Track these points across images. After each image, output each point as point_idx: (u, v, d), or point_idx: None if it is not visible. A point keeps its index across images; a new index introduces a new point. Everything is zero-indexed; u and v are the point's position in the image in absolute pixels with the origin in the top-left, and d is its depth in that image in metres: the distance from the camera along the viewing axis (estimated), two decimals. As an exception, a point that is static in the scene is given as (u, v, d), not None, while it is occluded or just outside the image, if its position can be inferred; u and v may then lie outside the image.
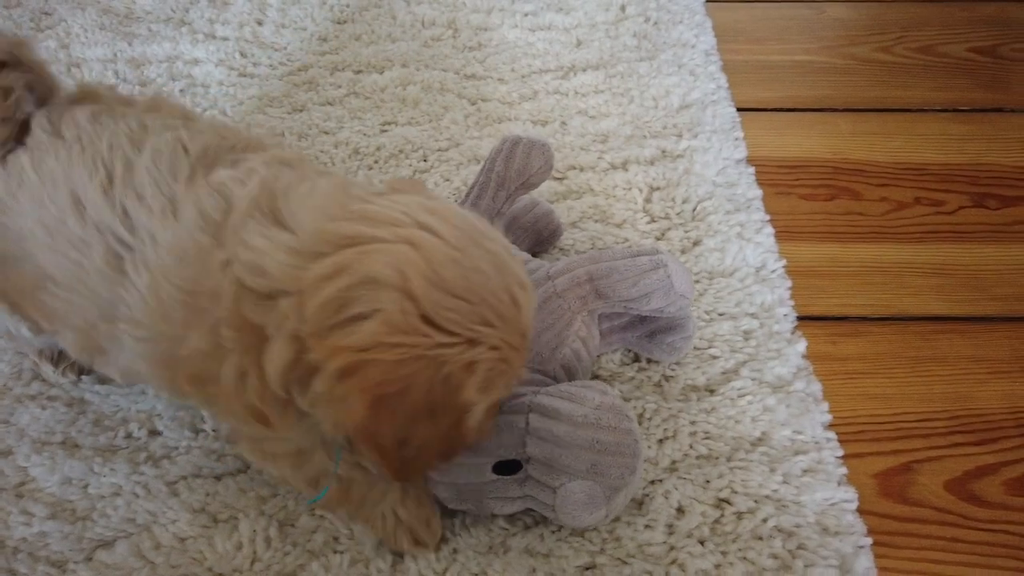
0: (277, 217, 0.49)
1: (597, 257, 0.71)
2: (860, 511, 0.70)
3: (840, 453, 0.73)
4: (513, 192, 0.77)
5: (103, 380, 0.76)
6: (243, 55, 1.14)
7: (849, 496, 0.70)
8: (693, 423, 0.73)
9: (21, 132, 0.59)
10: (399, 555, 0.65)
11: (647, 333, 0.76)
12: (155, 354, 0.54)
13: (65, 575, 0.64)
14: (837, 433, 0.75)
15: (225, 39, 1.17)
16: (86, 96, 0.63)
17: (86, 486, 0.69)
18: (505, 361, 0.49)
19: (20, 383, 0.76)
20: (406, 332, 0.45)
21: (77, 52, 1.13)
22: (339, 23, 1.21)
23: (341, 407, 0.47)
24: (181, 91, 1.08)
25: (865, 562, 0.66)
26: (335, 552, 0.65)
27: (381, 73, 1.12)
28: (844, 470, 0.72)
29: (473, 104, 1.08)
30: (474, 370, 0.48)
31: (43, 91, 0.61)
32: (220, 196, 0.52)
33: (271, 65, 1.13)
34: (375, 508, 0.64)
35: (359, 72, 1.13)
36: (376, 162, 1.00)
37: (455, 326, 0.47)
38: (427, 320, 0.46)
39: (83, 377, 0.76)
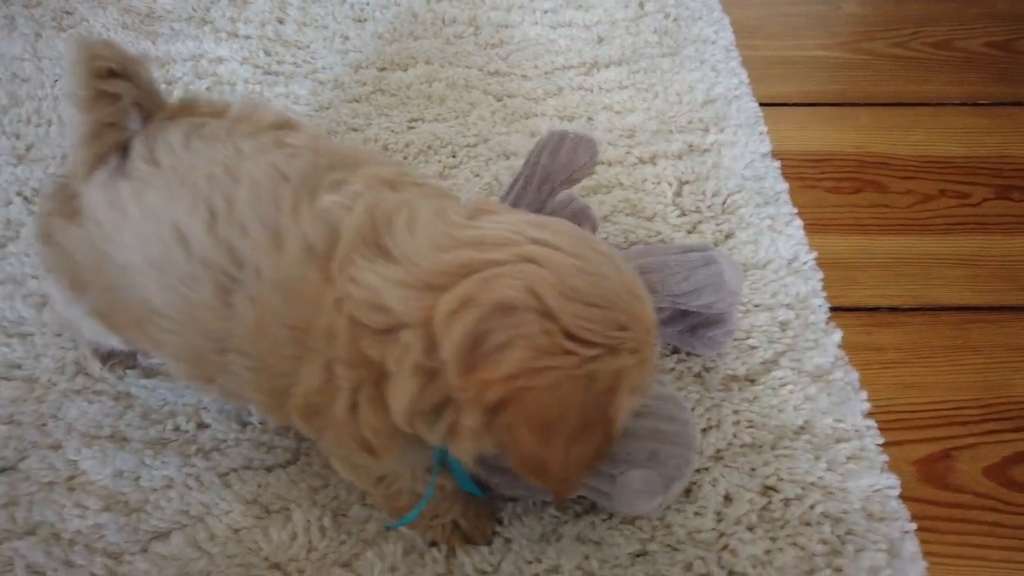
0: (383, 249, 0.48)
1: (648, 251, 0.72)
2: (903, 497, 0.70)
3: (881, 441, 0.74)
4: (557, 186, 0.78)
5: (148, 374, 0.77)
6: (267, 53, 1.14)
7: (892, 483, 0.71)
8: (736, 412, 0.74)
9: (125, 148, 0.59)
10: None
11: (688, 328, 0.76)
12: (263, 384, 0.54)
13: (122, 566, 0.65)
14: (876, 421, 0.76)
15: (248, 37, 1.17)
16: (183, 110, 0.62)
17: (138, 479, 0.70)
18: (644, 361, 0.48)
19: (64, 378, 0.77)
20: (553, 353, 0.44)
21: (101, 51, 1.13)
22: (359, 21, 1.22)
23: (507, 438, 0.46)
24: (208, 89, 1.08)
25: (912, 546, 0.67)
26: (388, 541, 0.66)
27: (405, 70, 1.13)
28: (885, 457, 0.73)
29: (499, 100, 1.08)
30: (621, 378, 0.47)
31: (149, 110, 0.61)
32: (325, 225, 0.51)
33: (295, 63, 1.14)
34: (441, 521, 0.64)
35: (383, 70, 1.13)
36: (405, 158, 1.00)
37: (596, 336, 0.45)
38: (569, 336, 0.45)
39: (128, 371, 0.76)
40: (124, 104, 0.58)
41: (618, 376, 0.46)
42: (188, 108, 0.63)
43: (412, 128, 1.05)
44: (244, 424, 0.73)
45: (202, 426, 0.73)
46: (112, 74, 0.57)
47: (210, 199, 0.54)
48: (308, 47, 1.16)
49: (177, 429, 0.73)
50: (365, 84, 1.11)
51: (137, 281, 0.56)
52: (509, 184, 0.81)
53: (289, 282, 0.51)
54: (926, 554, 0.67)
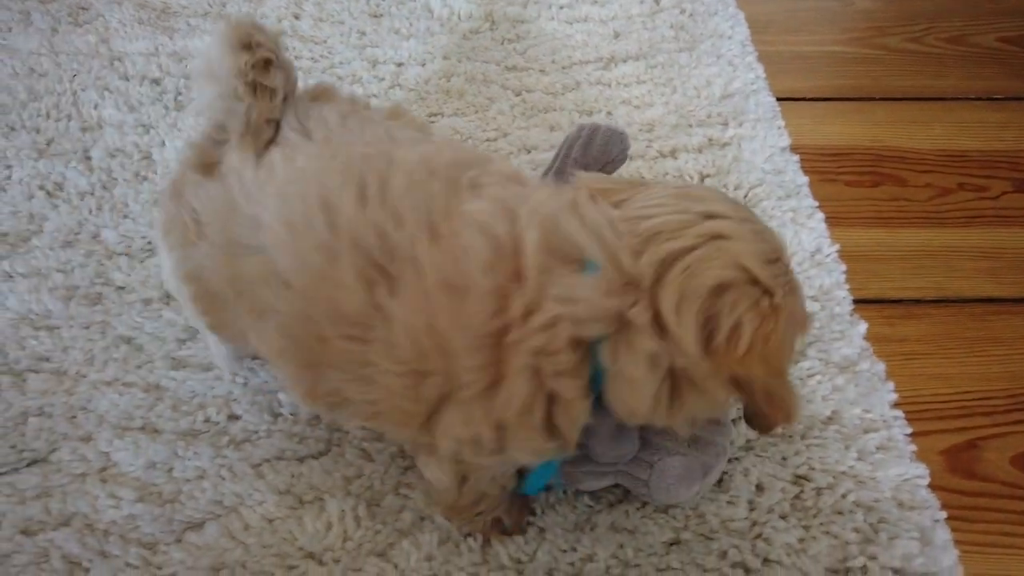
0: (573, 259, 0.48)
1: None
2: (931, 486, 0.71)
3: (908, 431, 0.74)
4: None
5: (177, 366, 0.77)
6: (284, 48, 1.14)
7: (921, 472, 0.71)
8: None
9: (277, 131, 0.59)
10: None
11: None
12: (408, 389, 0.51)
13: (157, 556, 0.65)
14: (903, 412, 0.76)
15: (265, 33, 1.17)
16: (322, 94, 0.63)
17: (170, 469, 0.70)
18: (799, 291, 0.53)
19: (94, 369, 0.77)
20: (771, 316, 0.48)
21: (118, 46, 1.13)
22: (376, 17, 1.22)
23: (747, 390, 0.50)
24: (226, 84, 1.08)
25: (943, 535, 0.67)
26: (424, 531, 0.66)
27: (423, 66, 1.13)
28: (913, 447, 0.73)
29: (518, 95, 1.09)
30: (798, 312, 0.51)
31: (290, 90, 0.61)
32: (486, 235, 0.50)
33: (312, 58, 1.14)
34: (485, 517, 0.64)
35: (400, 65, 1.13)
36: (426, 152, 1.00)
37: (783, 284, 0.50)
38: (771, 292, 0.48)
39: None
40: (279, 98, 0.57)
41: (798, 311, 0.52)
42: (326, 93, 0.63)
43: (431, 123, 1.05)
44: (276, 415, 0.73)
45: (233, 417, 0.73)
46: (269, 65, 0.56)
47: (363, 177, 0.53)
48: (325, 42, 1.16)
49: (208, 420, 0.73)
50: (383, 79, 1.11)
51: (264, 240, 0.54)
52: (539, 176, 0.81)
53: (464, 289, 0.49)
54: (957, 542, 0.68)
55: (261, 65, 0.56)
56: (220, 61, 0.57)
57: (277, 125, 0.59)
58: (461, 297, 0.49)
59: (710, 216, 0.49)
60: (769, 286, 0.48)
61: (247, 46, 0.56)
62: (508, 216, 0.50)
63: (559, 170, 0.78)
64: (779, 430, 0.65)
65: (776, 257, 0.50)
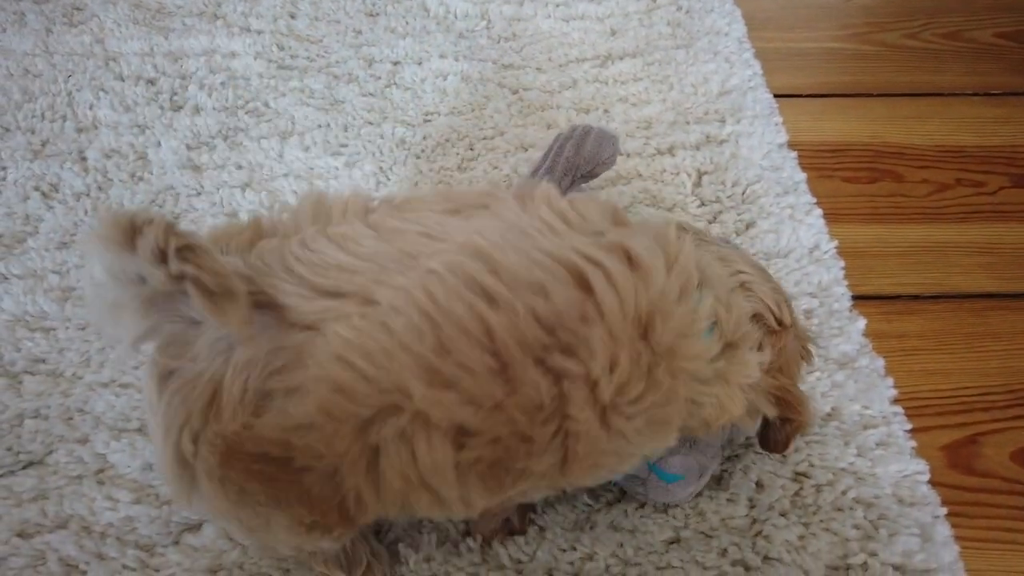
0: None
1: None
2: (932, 482, 0.71)
3: (908, 427, 0.74)
4: (578, 179, 0.78)
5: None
6: (280, 48, 1.14)
7: (921, 468, 0.71)
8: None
9: None
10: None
11: None
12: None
13: (154, 558, 0.64)
14: (903, 408, 0.76)
15: (260, 32, 1.16)
16: (319, 211, 0.54)
17: (168, 471, 0.69)
18: None
19: (90, 371, 0.76)
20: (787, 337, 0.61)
21: (113, 46, 1.13)
22: (371, 16, 1.21)
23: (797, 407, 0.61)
24: (222, 84, 1.08)
25: (944, 531, 0.67)
26: (422, 532, 0.66)
27: (419, 64, 1.13)
28: (913, 443, 0.73)
29: (514, 93, 1.08)
30: None
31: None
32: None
33: (309, 58, 1.13)
34: (500, 517, 0.64)
35: (397, 63, 1.13)
36: (423, 151, 1.00)
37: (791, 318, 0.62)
38: (782, 323, 0.61)
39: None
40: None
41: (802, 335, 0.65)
42: (322, 207, 0.52)
43: (428, 121, 1.05)
44: (272, 416, 0.73)
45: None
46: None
47: (468, 281, 0.46)
48: (321, 41, 1.16)
49: (205, 421, 0.73)
50: (379, 78, 1.10)
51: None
52: (528, 174, 0.81)
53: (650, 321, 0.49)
54: (957, 538, 0.67)
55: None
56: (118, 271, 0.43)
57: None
58: (644, 324, 0.48)
59: (738, 273, 0.60)
60: (781, 318, 0.59)
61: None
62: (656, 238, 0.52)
63: (550, 168, 0.78)
64: (791, 448, 0.66)
65: (785, 300, 0.61)
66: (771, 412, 0.59)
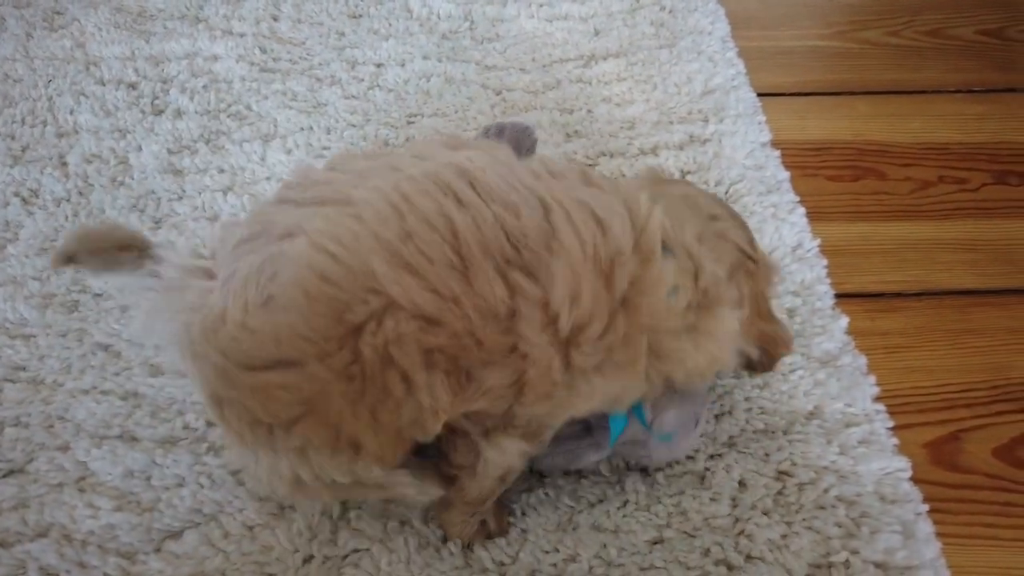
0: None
1: None
2: (914, 480, 0.71)
3: (890, 424, 0.74)
4: None
5: (155, 373, 0.76)
6: (263, 50, 1.14)
7: (903, 465, 0.71)
8: (748, 399, 0.74)
9: None
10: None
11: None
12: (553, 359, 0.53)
13: (136, 566, 0.64)
14: (885, 405, 0.76)
15: (242, 35, 1.16)
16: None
17: (149, 478, 0.69)
18: None
19: (70, 378, 0.76)
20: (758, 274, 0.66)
21: (94, 50, 1.12)
22: (354, 17, 1.21)
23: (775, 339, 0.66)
24: (204, 87, 1.07)
25: (926, 528, 0.67)
26: (402, 535, 0.66)
27: (402, 66, 1.12)
28: (895, 441, 0.73)
29: (498, 94, 1.08)
30: None
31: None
32: (618, 215, 0.55)
33: (291, 60, 1.13)
34: (477, 519, 0.64)
35: (380, 66, 1.13)
36: (406, 153, 1.00)
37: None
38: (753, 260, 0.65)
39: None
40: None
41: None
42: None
43: (411, 124, 1.04)
44: (254, 421, 0.73)
45: (212, 424, 0.73)
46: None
47: (444, 188, 0.52)
48: (304, 44, 1.16)
49: (187, 427, 0.72)
50: (362, 80, 1.10)
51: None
52: None
53: (609, 263, 0.54)
54: (939, 535, 0.67)
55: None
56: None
57: None
58: (604, 272, 0.52)
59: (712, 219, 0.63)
60: (753, 256, 0.63)
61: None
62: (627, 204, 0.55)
63: None
64: (778, 367, 0.71)
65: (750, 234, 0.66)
66: (754, 353, 0.63)
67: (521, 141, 0.77)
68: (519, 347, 0.50)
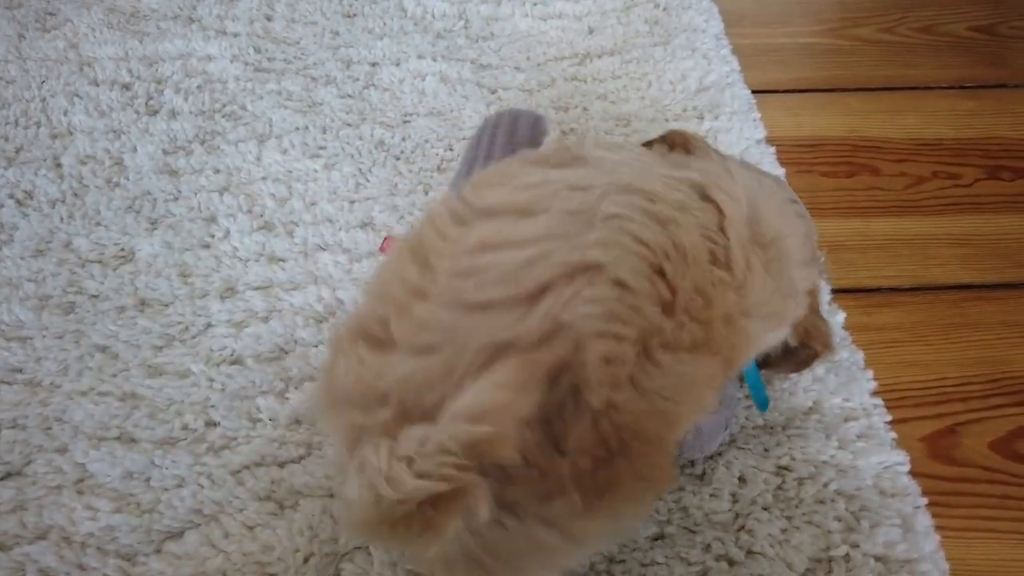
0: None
1: None
2: (912, 473, 0.71)
3: (888, 419, 0.75)
4: None
5: (153, 374, 0.76)
6: (257, 50, 1.13)
7: (901, 459, 0.71)
8: (747, 396, 0.75)
9: None
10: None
11: None
12: None
13: (136, 567, 0.64)
14: (883, 399, 0.76)
15: (236, 35, 1.16)
16: None
17: (148, 479, 0.69)
18: None
19: (68, 379, 0.75)
20: None
21: (88, 51, 1.12)
22: (349, 17, 1.21)
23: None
24: (198, 87, 1.07)
25: (924, 521, 0.67)
26: (406, 534, 0.66)
27: (397, 65, 1.12)
28: (893, 435, 0.74)
29: (493, 93, 1.08)
30: None
31: None
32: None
33: (286, 60, 1.13)
34: None
35: (375, 65, 1.12)
36: (403, 152, 1.00)
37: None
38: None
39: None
40: None
41: None
42: None
43: (407, 123, 1.04)
44: (254, 420, 0.72)
45: (211, 424, 0.73)
46: None
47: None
48: (298, 43, 1.16)
49: (186, 428, 0.72)
50: (357, 79, 1.10)
51: None
52: (461, 164, 0.78)
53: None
54: (938, 528, 0.68)
55: None
56: None
57: None
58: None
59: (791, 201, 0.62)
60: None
61: None
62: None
63: (487, 158, 0.75)
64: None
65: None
66: (793, 342, 0.61)
67: (536, 128, 0.76)
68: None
